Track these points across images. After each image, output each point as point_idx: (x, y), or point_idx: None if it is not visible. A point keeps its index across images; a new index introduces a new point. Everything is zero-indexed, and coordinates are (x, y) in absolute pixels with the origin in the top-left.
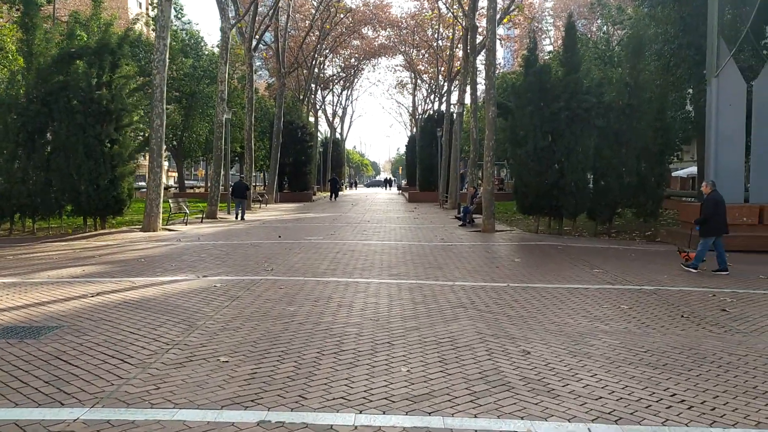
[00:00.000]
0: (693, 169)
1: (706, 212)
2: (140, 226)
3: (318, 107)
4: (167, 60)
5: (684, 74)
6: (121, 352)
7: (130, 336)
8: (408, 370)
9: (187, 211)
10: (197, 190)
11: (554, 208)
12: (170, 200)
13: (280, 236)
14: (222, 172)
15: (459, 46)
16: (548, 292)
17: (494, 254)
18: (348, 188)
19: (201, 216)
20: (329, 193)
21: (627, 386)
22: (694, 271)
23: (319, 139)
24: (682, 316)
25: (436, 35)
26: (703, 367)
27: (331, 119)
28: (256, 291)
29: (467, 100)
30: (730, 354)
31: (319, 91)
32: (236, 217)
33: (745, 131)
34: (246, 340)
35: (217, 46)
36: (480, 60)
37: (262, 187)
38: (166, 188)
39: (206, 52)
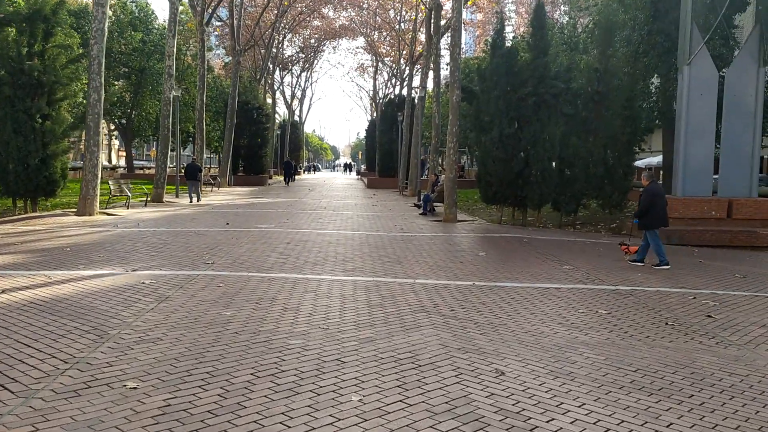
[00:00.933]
0: (651, 160)
1: (643, 205)
2: (76, 210)
3: (276, 88)
4: (106, 30)
5: (653, 62)
6: (3, 374)
7: (24, 350)
8: (360, 400)
9: (129, 194)
10: (148, 171)
11: (519, 198)
12: (110, 182)
13: (228, 223)
14: (171, 153)
15: (422, 29)
16: (518, 292)
17: (457, 247)
18: (307, 172)
19: (145, 199)
20: (284, 178)
21: (623, 420)
22: (665, 267)
23: (277, 121)
24: (667, 324)
25: (398, 17)
26: (704, 393)
27: (289, 101)
28: (190, 290)
29: (430, 84)
30: (730, 374)
31: (277, 72)
32: (190, 200)
33: (715, 122)
34: (165, 357)
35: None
36: (444, 43)
37: (216, 170)
38: (114, 168)
39: (157, 26)
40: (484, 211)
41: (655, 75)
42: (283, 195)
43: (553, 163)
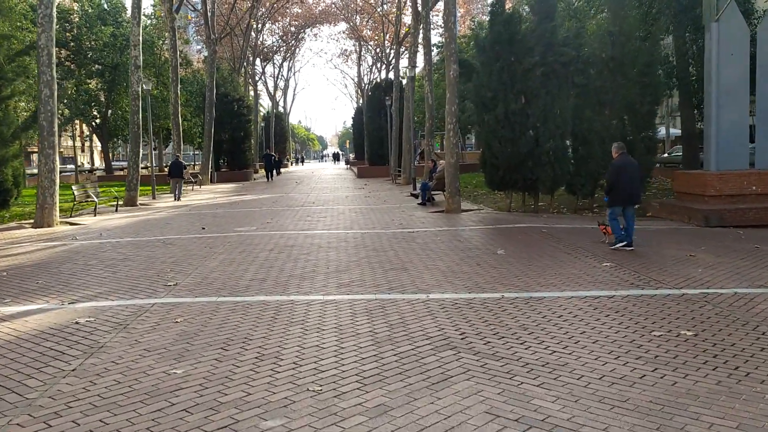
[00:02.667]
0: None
1: (608, 179)
2: (33, 221)
3: (258, 79)
4: (54, 16)
5: (667, 23)
6: None
7: None
8: None
9: (96, 199)
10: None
11: (529, 182)
12: (74, 187)
13: (203, 228)
14: (142, 152)
15: (407, 10)
16: (563, 306)
17: (468, 244)
18: (294, 164)
19: (116, 204)
20: (266, 173)
21: None
22: (628, 248)
23: (261, 113)
24: None
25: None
26: None
27: (272, 92)
28: (135, 331)
29: (420, 62)
30: None
31: (258, 62)
32: (174, 199)
33: (749, 84)
34: None
35: (145, 15)
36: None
37: (198, 166)
38: (91, 171)
39: (127, 19)
40: (488, 198)
41: (670, 37)
42: (269, 190)
43: (567, 141)
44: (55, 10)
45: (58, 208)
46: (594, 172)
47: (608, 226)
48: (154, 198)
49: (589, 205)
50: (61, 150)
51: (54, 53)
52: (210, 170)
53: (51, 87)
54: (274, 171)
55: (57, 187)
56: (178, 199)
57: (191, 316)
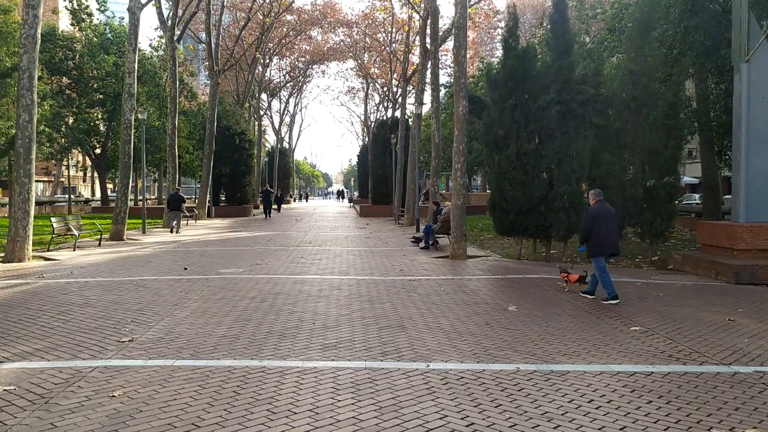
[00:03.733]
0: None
1: (584, 227)
2: (2, 255)
3: (262, 113)
4: (39, 37)
5: (688, 64)
6: None
7: None
8: None
9: (77, 233)
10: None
11: (541, 228)
12: (53, 219)
13: (186, 268)
14: (146, 184)
15: (414, 50)
16: (593, 387)
17: (476, 297)
18: (297, 200)
19: (98, 238)
20: (264, 210)
21: None
22: (614, 302)
23: (267, 148)
24: None
25: (389, 37)
26: None
27: (277, 127)
28: (56, 409)
29: (427, 99)
30: None
31: (264, 97)
32: (171, 231)
33: None
34: None
35: (151, 47)
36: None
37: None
38: (86, 202)
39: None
40: (495, 243)
41: (689, 80)
42: (266, 227)
43: (582, 185)
44: (39, 30)
45: (31, 242)
46: None
47: (570, 273)
48: (144, 232)
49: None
50: (62, 179)
51: (36, 76)
52: (207, 204)
53: (30, 112)
54: (274, 207)
55: (31, 219)
56: (177, 232)
57: (134, 388)
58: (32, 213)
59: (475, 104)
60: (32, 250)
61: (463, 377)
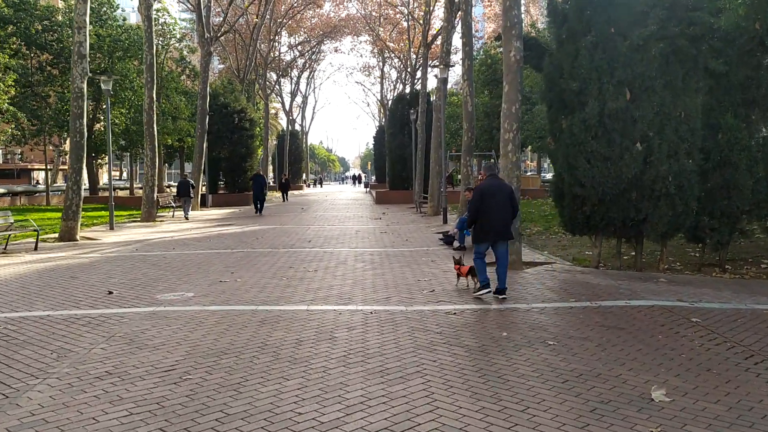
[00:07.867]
0: None
1: (469, 209)
2: None
3: (270, 91)
4: None
5: None
6: None
7: None
8: None
9: (8, 233)
10: (120, 193)
11: (631, 224)
12: None
13: (111, 292)
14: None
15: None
16: None
17: (568, 356)
18: (310, 186)
19: (35, 240)
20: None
21: None
22: (485, 291)
23: (280, 132)
24: None
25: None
26: None
27: (288, 107)
28: None
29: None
30: None
31: (273, 77)
32: (184, 217)
33: None
34: None
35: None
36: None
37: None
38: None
39: (113, 17)
40: (549, 240)
41: None
42: (261, 220)
43: (690, 160)
44: None
45: None
46: (735, 211)
47: (462, 265)
48: (111, 228)
49: (720, 260)
50: (63, 166)
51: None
52: (202, 192)
53: None
54: (283, 194)
55: None
56: (185, 217)
57: None
58: None
59: (530, 50)
60: None
61: None
